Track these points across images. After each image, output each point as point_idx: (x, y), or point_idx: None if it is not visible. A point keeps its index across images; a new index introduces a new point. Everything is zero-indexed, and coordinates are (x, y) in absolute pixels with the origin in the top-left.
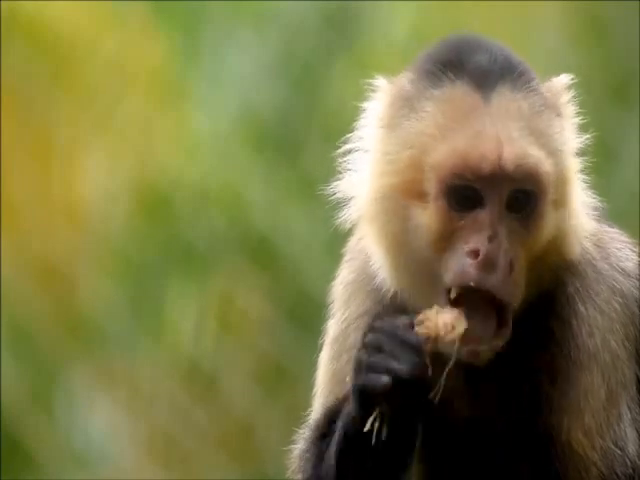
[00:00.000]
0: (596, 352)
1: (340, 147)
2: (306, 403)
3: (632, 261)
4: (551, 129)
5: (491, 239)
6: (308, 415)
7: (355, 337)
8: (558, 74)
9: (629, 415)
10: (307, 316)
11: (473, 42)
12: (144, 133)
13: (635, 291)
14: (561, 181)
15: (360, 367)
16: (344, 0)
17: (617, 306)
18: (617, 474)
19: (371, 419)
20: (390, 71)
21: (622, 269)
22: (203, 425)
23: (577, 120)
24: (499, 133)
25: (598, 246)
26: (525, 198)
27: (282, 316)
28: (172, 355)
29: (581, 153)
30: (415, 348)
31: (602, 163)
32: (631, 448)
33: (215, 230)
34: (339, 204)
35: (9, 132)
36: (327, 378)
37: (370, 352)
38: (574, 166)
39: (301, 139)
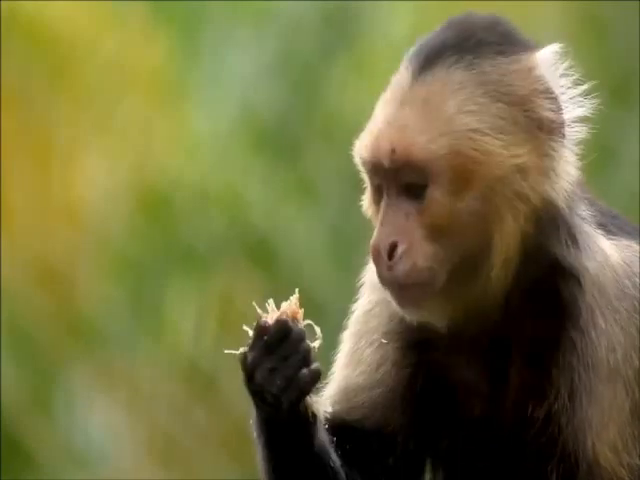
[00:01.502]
0: (618, 367)
1: (340, 147)
2: None
3: None
4: (473, 115)
5: (379, 230)
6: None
7: (378, 321)
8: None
9: None
10: (307, 316)
11: (455, 19)
12: (144, 133)
13: None
14: (470, 167)
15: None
16: (344, 0)
17: (639, 324)
18: None
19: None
20: (389, 71)
21: None
22: (203, 425)
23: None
24: (394, 121)
25: (625, 263)
26: (415, 186)
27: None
28: (172, 355)
29: (581, 153)
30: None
31: (602, 163)
32: None
33: (215, 230)
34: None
35: (9, 132)
36: (345, 354)
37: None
38: (517, 151)
39: (301, 139)
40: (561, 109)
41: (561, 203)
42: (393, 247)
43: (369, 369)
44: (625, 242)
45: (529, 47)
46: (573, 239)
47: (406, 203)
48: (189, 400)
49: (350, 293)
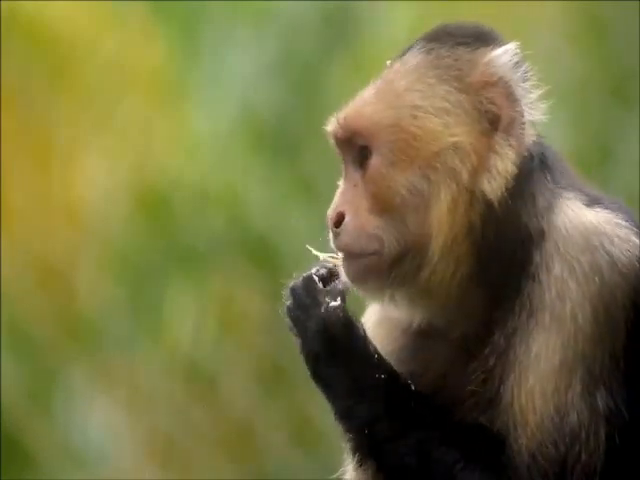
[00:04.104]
0: (562, 319)
1: None
2: (306, 403)
3: (627, 257)
4: (419, 93)
5: (334, 201)
6: None
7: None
8: (558, 74)
9: (579, 387)
10: None
11: (439, 25)
12: (144, 133)
13: (616, 283)
14: (410, 142)
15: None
16: (343, 0)
17: (594, 287)
18: (553, 439)
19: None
20: None
21: (611, 255)
22: (203, 425)
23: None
24: (357, 98)
25: (598, 223)
26: (363, 153)
27: (282, 316)
28: (172, 355)
29: (580, 152)
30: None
31: (602, 163)
32: (573, 417)
33: (215, 230)
34: None
35: (9, 132)
36: None
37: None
38: (457, 131)
39: (300, 139)
40: (511, 107)
41: (494, 198)
42: (341, 216)
43: None
44: (608, 213)
45: (497, 42)
46: (549, 211)
47: (356, 173)
48: (189, 400)
49: (349, 293)
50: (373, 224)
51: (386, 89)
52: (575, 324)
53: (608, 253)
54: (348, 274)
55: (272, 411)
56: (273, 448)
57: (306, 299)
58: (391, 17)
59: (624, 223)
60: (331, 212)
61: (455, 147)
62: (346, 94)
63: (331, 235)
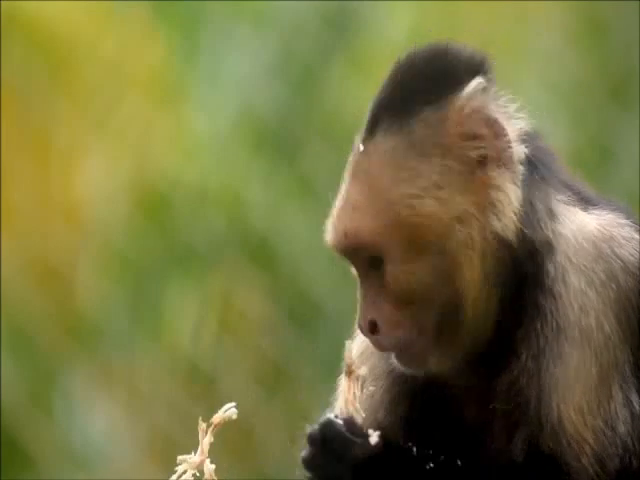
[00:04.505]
0: (590, 331)
1: (339, 147)
2: (306, 403)
3: (634, 257)
4: (407, 181)
5: (359, 308)
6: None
7: (371, 363)
8: (558, 74)
9: (620, 395)
10: (307, 316)
11: (400, 64)
12: (144, 133)
13: (630, 286)
14: (415, 233)
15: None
16: (343, 0)
17: (612, 294)
18: (609, 453)
19: None
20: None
21: (622, 259)
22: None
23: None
24: (345, 202)
25: (603, 228)
26: (373, 260)
27: (282, 316)
28: (171, 355)
29: (580, 152)
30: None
31: (602, 163)
32: (621, 428)
33: (214, 230)
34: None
35: (9, 132)
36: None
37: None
38: (456, 200)
39: (300, 139)
40: (493, 135)
41: (510, 234)
42: (373, 325)
43: (365, 415)
44: (607, 214)
45: (461, 82)
46: (551, 218)
47: (375, 278)
48: (189, 400)
49: (349, 293)
50: (407, 325)
51: (372, 186)
52: (603, 333)
53: (619, 257)
54: (405, 365)
55: (272, 411)
56: (273, 448)
57: (331, 444)
58: (390, 17)
59: (624, 221)
60: (362, 322)
61: (459, 219)
62: (346, 94)
63: (369, 341)
